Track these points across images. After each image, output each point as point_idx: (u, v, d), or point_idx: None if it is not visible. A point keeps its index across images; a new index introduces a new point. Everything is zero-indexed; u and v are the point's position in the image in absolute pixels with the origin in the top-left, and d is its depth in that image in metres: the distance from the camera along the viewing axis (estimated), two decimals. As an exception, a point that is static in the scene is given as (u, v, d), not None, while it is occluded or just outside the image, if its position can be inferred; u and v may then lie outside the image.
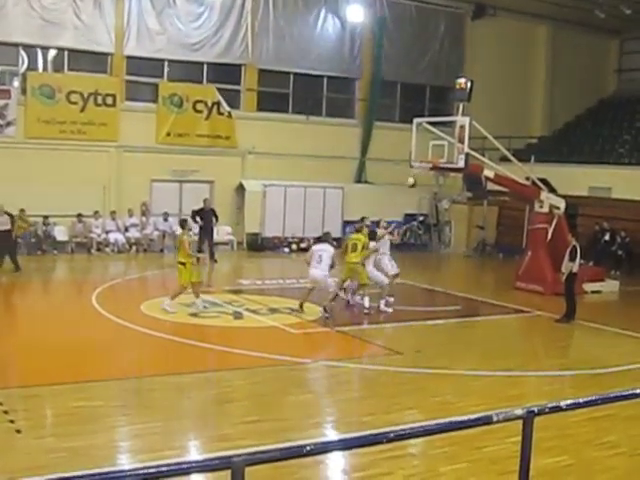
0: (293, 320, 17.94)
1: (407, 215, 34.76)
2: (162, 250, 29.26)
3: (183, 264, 18.47)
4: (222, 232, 31.24)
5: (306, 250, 31.14)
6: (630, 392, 6.17)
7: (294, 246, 31.51)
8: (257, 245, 31.16)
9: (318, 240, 19.74)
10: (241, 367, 13.80)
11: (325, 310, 18.25)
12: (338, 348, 16.37)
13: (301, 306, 18.64)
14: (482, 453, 9.76)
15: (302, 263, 28.68)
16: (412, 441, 9.92)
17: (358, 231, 20.21)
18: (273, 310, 18.88)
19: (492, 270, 31.13)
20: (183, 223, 19.27)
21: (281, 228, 31.70)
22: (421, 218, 35.07)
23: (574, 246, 19.34)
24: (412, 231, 34.76)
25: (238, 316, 18.01)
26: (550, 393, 12.86)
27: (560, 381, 14.04)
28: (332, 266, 18.66)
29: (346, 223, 33.05)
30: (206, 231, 27.39)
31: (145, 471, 3.62)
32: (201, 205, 27.98)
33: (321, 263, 18.35)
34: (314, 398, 12.61)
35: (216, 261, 27.15)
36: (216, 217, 28.00)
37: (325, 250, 18.54)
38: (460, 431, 9.03)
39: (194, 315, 17.93)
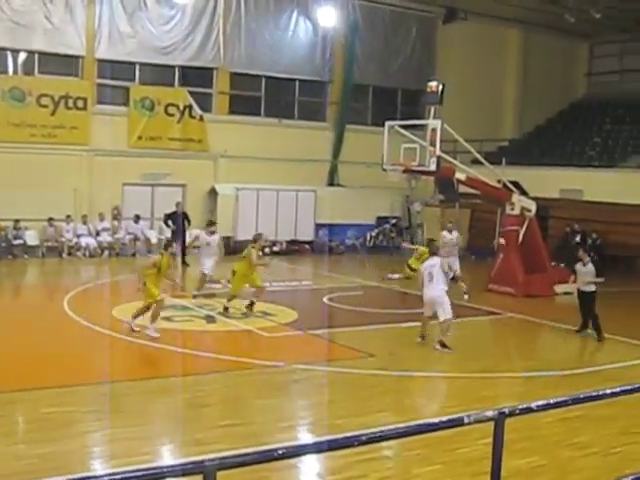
0: (266, 324, 17.91)
1: (379, 218, 34.86)
2: (134, 254, 29.12)
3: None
4: (194, 236, 31.10)
5: (279, 253, 31.34)
6: (600, 392, 6.21)
7: (267, 249, 31.44)
8: (230, 248, 31.05)
9: (431, 254, 17.01)
10: (214, 371, 13.78)
11: (443, 345, 16.13)
12: (311, 351, 16.33)
13: (423, 337, 16.64)
14: (456, 455, 9.80)
15: (274, 266, 28.88)
16: (386, 443, 9.93)
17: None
18: (246, 314, 18.83)
19: (465, 272, 31.10)
20: (167, 245, 17.96)
21: (254, 231, 31.51)
22: (393, 221, 35.16)
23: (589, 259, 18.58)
24: (385, 234, 34.84)
25: (210, 320, 17.97)
26: (522, 394, 12.93)
27: (532, 382, 14.11)
28: (454, 278, 18.20)
29: (318, 226, 33.14)
30: (178, 235, 27.29)
31: (118, 477, 3.60)
32: (173, 209, 27.90)
33: (432, 281, 15.96)
34: (287, 401, 12.60)
35: (188, 265, 27.06)
36: (188, 221, 27.93)
37: (434, 265, 16.18)
38: (433, 433, 9.15)
39: (167, 319, 17.83)
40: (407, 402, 12.36)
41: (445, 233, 23.23)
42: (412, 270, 21.68)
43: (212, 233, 21.91)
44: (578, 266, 18.33)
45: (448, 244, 22.55)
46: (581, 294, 18.44)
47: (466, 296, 22.02)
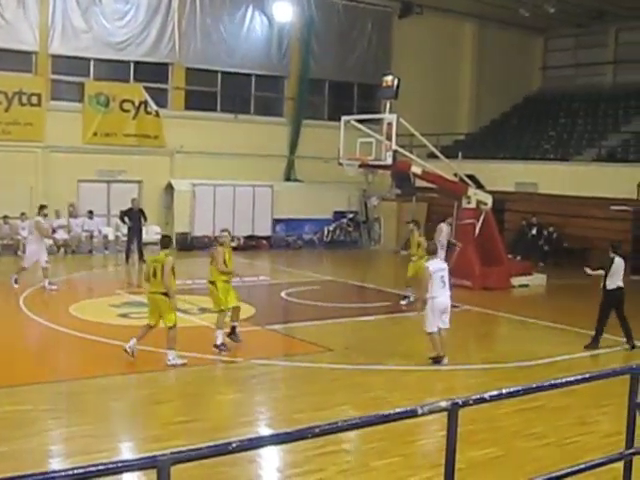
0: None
1: (336, 212, 34.92)
2: (90, 251, 28.92)
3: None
4: (151, 232, 30.93)
5: (237, 249, 31.21)
6: (552, 382, 6.28)
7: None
8: (187, 244, 30.97)
9: (430, 253, 15.36)
10: (172, 367, 13.71)
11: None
12: (269, 346, 16.34)
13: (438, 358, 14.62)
14: (414, 447, 9.87)
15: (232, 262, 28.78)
16: (345, 437, 9.98)
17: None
18: (203, 310, 18.74)
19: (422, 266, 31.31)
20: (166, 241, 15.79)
21: (211, 227, 31.50)
22: (350, 215, 35.22)
23: (611, 258, 16.54)
24: (342, 229, 34.90)
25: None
26: (479, 386, 13.00)
27: (489, 374, 14.21)
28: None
29: (276, 221, 33.11)
30: (134, 231, 27.15)
31: (72, 472, 3.58)
32: (129, 205, 27.72)
33: (445, 287, 14.47)
34: (245, 397, 12.58)
35: (145, 261, 26.88)
36: (144, 217, 27.75)
37: (444, 268, 14.69)
38: (392, 426, 9.17)
39: (123, 316, 17.76)
40: (365, 395, 12.38)
41: (444, 225, 23.79)
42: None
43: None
44: (617, 260, 16.36)
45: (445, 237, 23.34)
46: (613, 293, 16.51)
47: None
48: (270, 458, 9.60)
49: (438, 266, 14.46)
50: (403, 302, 20.69)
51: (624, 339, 16.52)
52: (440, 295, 14.24)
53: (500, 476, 9.12)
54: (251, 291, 22.18)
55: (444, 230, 23.92)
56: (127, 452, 9.89)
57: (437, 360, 14.34)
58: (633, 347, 16.40)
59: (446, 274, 14.48)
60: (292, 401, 12.26)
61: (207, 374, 13.43)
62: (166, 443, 9.54)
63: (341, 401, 12.01)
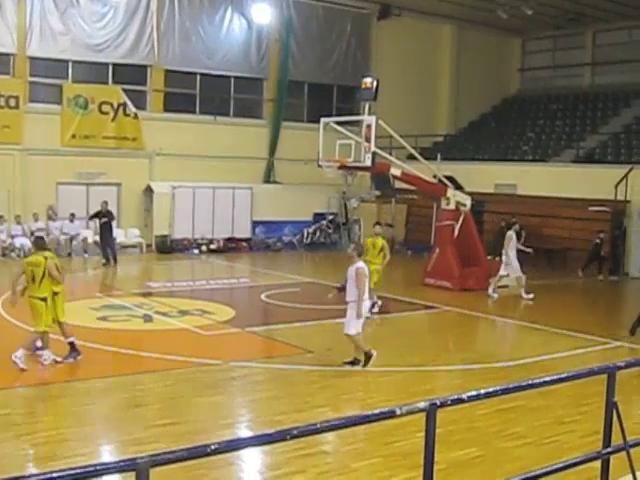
0: (203, 322, 17.85)
1: (316, 214, 34.94)
2: (70, 254, 28.78)
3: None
4: (130, 235, 30.96)
5: (216, 251, 31.23)
6: (529, 382, 6.32)
7: (204, 247, 31.38)
8: (166, 247, 30.91)
9: (359, 255, 14.66)
10: (152, 370, 13.69)
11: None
12: (249, 348, 16.34)
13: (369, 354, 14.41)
14: (394, 448, 9.87)
15: (211, 264, 28.78)
16: (325, 439, 10.01)
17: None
18: (183, 312, 18.74)
19: (401, 267, 31.36)
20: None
21: (190, 230, 31.52)
22: (330, 217, 35.25)
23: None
24: (322, 230, 34.92)
25: (148, 319, 17.86)
26: (459, 386, 13.06)
27: (469, 375, 14.26)
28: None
29: (255, 223, 33.10)
30: (105, 234, 27.01)
31: (49, 476, 3.57)
32: (99, 208, 27.63)
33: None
34: (226, 399, 12.57)
35: (116, 262, 26.84)
36: (113, 219, 27.51)
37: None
38: (372, 428, 9.23)
39: (103, 319, 17.71)
40: (346, 397, 12.42)
41: (512, 233, 23.46)
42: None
43: None
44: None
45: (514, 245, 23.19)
46: None
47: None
48: (250, 460, 9.61)
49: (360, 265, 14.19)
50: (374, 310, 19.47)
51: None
52: (366, 299, 14.27)
53: (480, 476, 9.16)
54: (231, 294, 22.18)
55: (513, 238, 23.45)
56: (107, 455, 9.85)
57: (369, 356, 14.17)
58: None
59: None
60: (272, 403, 12.25)
61: (187, 377, 13.39)
62: (146, 446, 9.51)
63: (321, 403, 12.01)
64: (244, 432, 10.87)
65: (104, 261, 26.96)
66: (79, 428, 10.69)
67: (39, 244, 14.18)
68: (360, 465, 9.46)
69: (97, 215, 27.42)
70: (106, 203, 27.78)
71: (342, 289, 14.80)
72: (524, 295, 22.66)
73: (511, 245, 23.06)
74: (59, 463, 9.03)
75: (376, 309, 19.69)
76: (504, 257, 22.97)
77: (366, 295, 14.13)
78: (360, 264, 14.16)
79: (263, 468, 9.54)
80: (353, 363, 14.17)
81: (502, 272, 22.95)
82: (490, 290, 22.78)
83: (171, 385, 12.99)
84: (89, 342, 15.28)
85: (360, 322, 14.17)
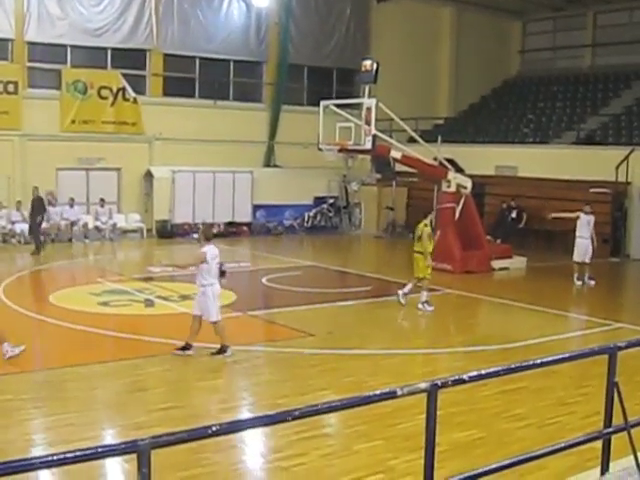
0: (205, 306, 17.82)
1: (317, 198, 34.87)
2: (70, 239, 28.77)
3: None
4: (131, 219, 30.95)
5: (217, 236, 31.17)
6: (529, 363, 6.32)
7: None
8: (167, 232, 30.89)
9: (207, 239, 14.35)
10: (154, 354, 13.70)
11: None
12: (251, 332, 16.35)
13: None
14: (396, 430, 9.90)
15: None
16: (327, 421, 10.05)
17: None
18: (184, 297, 18.71)
19: (402, 250, 31.22)
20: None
21: (191, 214, 31.46)
22: (331, 200, 35.19)
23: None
24: (322, 214, 34.90)
25: (149, 304, 17.87)
26: (460, 368, 13.04)
27: (470, 357, 14.29)
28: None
29: (256, 207, 33.07)
30: (34, 220, 26.41)
31: (52, 458, 3.58)
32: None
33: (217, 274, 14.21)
34: (228, 383, 12.61)
35: (43, 249, 26.00)
36: (43, 206, 27.03)
37: (217, 255, 14.06)
38: (374, 410, 9.24)
39: (104, 304, 17.72)
40: (347, 380, 12.42)
41: (582, 214, 22.89)
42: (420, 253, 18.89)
43: None
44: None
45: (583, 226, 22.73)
46: None
47: None
48: (253, 443, 9.65)
49: (214, 253, 13.84)
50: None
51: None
52: (217, 283, 13.86)
53: (482, 457, 9.16)
54: (232, 277, 22.17)
55: (592, 220, 22.84)
56: (110, 439, 9.86)
57: (223, 349, 13.71)
58: None
59: (217, 260, 13.96)
60: (274, 386, 12.28)
61: (189, 360, 13.40)
62: (149, 430, 9.51)
63: (323, 386, 12.03)
64: (246, 415, 10.89)
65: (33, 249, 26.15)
66: (81, 413, 10.69)
67: None
68: (362, 447, 9.48)
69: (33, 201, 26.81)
70: (37, 189, 27.12)
71: (223, 274, 14.47)
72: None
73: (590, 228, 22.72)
74: (61, 448, 9.01)
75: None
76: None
77: (212, 280, 13.67)
78: (204, 248, 13.81)
79: (265, 451, 9.58)
80: (221, 352, 13.69)
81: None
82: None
83: (172, 369, 13.02)
84: (90, 327, 15.33)
85: (216, 307, 13.77)
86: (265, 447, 9.66)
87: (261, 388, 12.34)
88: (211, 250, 13.76)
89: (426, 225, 18.70)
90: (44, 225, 27.62)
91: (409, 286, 18.54)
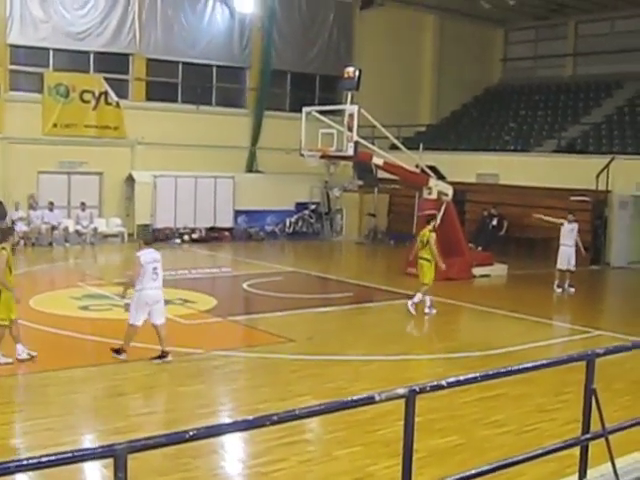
0: (185, 311, 17.81)
1: (299, 204, 34.89)
2: (51, 243, 28.66)
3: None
4: (112, 224, 30.84)
5: (199, 241, 31.17)
6: (507, 369, 6.35)
7: (186, 237, 31.29)
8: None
9: (146, 243, 14.25)
10: (133, 359, 13.64)
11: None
12: (231, 338, 16.34)
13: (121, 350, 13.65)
14: (375, 436, 9.90)
15: (193, 254, 28.74)
16: (307, 427, 10.05)
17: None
18: (165, 301, 18.59)
19: (383, 257, 31.50)
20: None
21: (172, 219, 31.40)
22: (313, 207, 35.23)
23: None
24: (304, 220, 34.91)
25: (129, 308, 17.76)
26: (440, 375, 13.05)
27: (450, 363, 14.32)
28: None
29: (238, 213, 33.04)
30: None
31: (27, 462, 3.57)
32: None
33: (157, 279, 13.71)
34: (207, 388, 12.57)
35: None
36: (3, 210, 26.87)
37: (158, 260, 13.84)
38: (354, 416, 9.25)
39: (84, 308, 17.66)
40: (327, 386, 12.41)
41: (565, 222, 22.94)
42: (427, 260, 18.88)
43: None
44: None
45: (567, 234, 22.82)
46: None
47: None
48: (233, 448, 9.65)
49: (152, 257, 13.62)
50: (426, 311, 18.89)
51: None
52: (150, 288, 13.49)
53: (460, 464, 9.17)
54: (213, 283, 22.16)
55: (575, 228, 22.94)
56: (88, 444, 9.82)
57: (118, 351, 13.44)
58: None
59: (159, 266, 13.68)
60: (254, 392, 12.27)
61: (169, 366, 13.36)
62: (128, 435, 9.45)
63: (303, 392, 12.02)
64: (225, 421, 10.88)
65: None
66: (60, 417, 10.65)
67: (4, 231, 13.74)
68: (341, 453, 9.49)
69: None
70: None
71: None
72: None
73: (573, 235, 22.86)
74: (40, 452, 8.98)
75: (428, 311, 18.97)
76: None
77: (144, 285, 13.42)
78: (139, 252, 13.69)
79: (245, 456, 9.58)
80: (161, 357, 13.47)
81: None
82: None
83: (152, 374, 12.97)
84: (70, 331, 15.28)
85: (136, 312, 13.57)
86: (245, 453, 9.65)
87: (241, 394, 12.34)
88: (146, 255, 13.61)
89: (431, 231, 18.83)
90: (24, 229, 27.52)
91: (419, 295, 18.63)
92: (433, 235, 18.76)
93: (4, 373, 12.61)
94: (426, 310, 18.63)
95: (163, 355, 13.49)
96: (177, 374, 13.02)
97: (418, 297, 18.50)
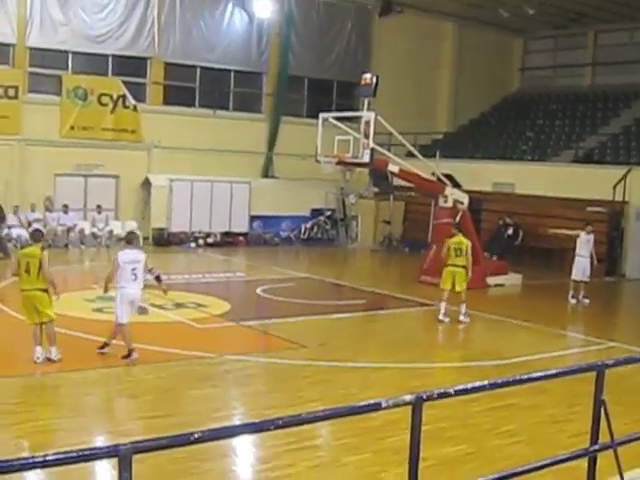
0: (198, 315, 17.85)
1: (314, 210, 34.90)
2: (66, 245, 28.75)
3: None
4: (127, 227, 30.86)
5: (213, 245, 31.21)
6: (516, 378, 6.35)
7: (201, 241, 31.33)
8: (163, 240, 30.86)
9: (127, 243, 14.92)
10: (146, 362, 13.66)
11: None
12: (243, 342, 16.34)
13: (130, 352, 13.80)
14: (385, 444, 9.88)
15: (208, 258, 28.78)
16: (316, 433, 10.03)
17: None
18: (179, 305, 18.72)
19: (398, 264, 31.46)
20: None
21: (188, 223, 31.46)
22: (328, 213, 35.22)
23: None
24: (319, 226, 34.91)
25: (143, 311, 17.77)
26: (451, 383, 13.03)
27: (462, 372, 14.29)
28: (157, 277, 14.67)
29: (253, 218, 33.07)
30: None
31: (31, 461, 3.58)
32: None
33: (137, 280, 13.88)
34: (219, 392, 12.58)
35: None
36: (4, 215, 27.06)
37: (139, 261, 14.01)
38: (364, 423, 9.25)
39: (98, 310, 17.70)
40: (338, 392, 12.40)
41: (582, 233, 22.92)
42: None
43: None
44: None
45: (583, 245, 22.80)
46: None
47: None
48: (242, 453, 9.65)
49: (131, 257, 13.87)
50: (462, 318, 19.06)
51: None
52: (129, 287, 13.72)
53: (470, 472, 9.15)
54: (227, 287, 22.19)
55: (592, 239, 22.97)
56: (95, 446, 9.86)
57: (128, 355, 13.58)
58: None
59: (139, 267, 13.81)
60: (265, 397, 12.28)
61: (181, 369, 13.40)
62: (137, 438, 9.50)
63: (313, 398, 12.01)
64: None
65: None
66: (72, 418, 10.69)
67: (36, 236, 14.11)
68: (350, 460, 9.48)
69: None
70: None
71: (157, 278, 14.51)
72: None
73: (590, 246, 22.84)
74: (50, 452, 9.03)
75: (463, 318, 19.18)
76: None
77: (123, 284, 13.70)
78: (119, 252, 14.19)
79: (254, 461, 9.59)
80: (128, 356, 13.61)
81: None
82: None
83: (164, 377, 13.01)
84: (84, 333, 15.32)
85: (121, 311, 13.82)
86: (254, 457, 9.66)
87: (251, 398, 12.34)
88: (124, 255, 13.89)
89: (465, 237, 19.07)
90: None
91: (463, 307, 18.90)
92: (469, 242, 19.05)
93: (18, 373, 12.66)
94: (462, 318, 18.79)
95: (130, 353, 13.63)
96: (189, 377, 13.03)
97: (464, 308, 18.83)
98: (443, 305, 18.78)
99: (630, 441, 7.09)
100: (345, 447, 9.84)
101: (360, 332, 17.84)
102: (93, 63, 30.96)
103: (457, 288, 18.78)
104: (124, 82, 31.14)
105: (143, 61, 32.09)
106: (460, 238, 19.08)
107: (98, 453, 3.90)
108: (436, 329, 18.74)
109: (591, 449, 6.59)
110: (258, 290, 21.82)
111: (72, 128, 30.11)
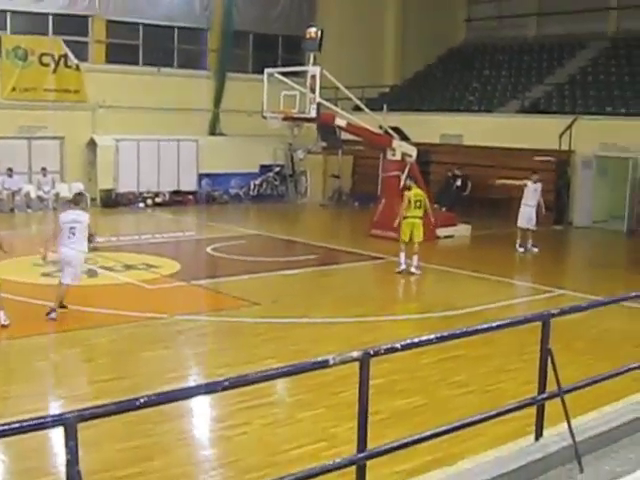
0: (149, 276, 17.77)
1: (263, 166, 34.76)
2: (12, 209, 28.36)
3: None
4: (74, 189, 30.50)
5: (162, 205, 30.99)
6: (463, 330, 6.41)
7: (149, 201, 31.09)
8: (111, 201, 30.58)
9: (74, 204, 14.82)
10: (97, 325, 13.60)
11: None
12: (195, 302, 16.31)
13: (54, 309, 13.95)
14: (338, 398, 9.94)
15: (157, 218, 28.59)
16: (270, 390, 10.07)
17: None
18: (128, 267, 18.62)
19: (348, 218, 31.54)
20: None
21: (135, 183, 31.18)
22: (277, 169, 35.10)
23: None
24: (268, 182, 34.80)
25: (92, 274, 17.69)
26: (403, 336, 13.12)
27: (413, 324, 14.44)
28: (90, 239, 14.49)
29: (201, 176, 32.86)
30: None
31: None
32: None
33: (73, 239, 13.88)
34: (171, 353, 12.56)
35: None
36: None
37: (79, 222, 14.01)
38: (317, 379, 9.30)
39: (47, 275, 17.52)
40: (291, 349, 12.45)
41: (529, 183, 23.02)
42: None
43: None
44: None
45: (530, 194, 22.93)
46: None
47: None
48: (196, 413, 9.67)
49: (71, 217, 13.93)
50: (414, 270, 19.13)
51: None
52: (64, 245, 13.84)
53: (422, 424, 9.24)
54: (177, 247, 22.09)
55: (539, 188, 23.13)
56: (52, 412, 9.80)
57: (50, 311, 13.75)
58: None
59: (79, 227, 13.87)
60: (218, 356, 12.30)
61: (133, 331, 13.35)
62: (90, 402, 9.41)
63: (267, 355, 12.02)
64: (189, 385, 10.88)
65: None
66: (23, 385, 10.62)
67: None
68: (305, 415, 9.55)
69: None
70: None
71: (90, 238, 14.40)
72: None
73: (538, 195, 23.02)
74: (1, 421, 8.96)
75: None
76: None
77: (61, 243, 13.94)
78: (62, 213, 14.44)
79: (210, 420, 9.62)
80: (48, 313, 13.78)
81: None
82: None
83: (116, 340, 12.95)
84: (34, 298, 15.17)
85: (72, 271, 14.12)
86: (209, 417, 9.69)
87: (205, 357, 12.37)
88: (65, 215, 14.05)
89: (422, 190, 19.44)
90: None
91: (416, 258, 19.06)
92: (424, 194, 19.47)
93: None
94: (413, 270, 18.93)
95: (52, 310, 13.73)
96: (141, 339, 13.00)
97: (416, 261, 18.95)
98: (402, 256, 18.88)
99: (576, 389, 7.21)
100: (299, 403, 9.90)
101: (312, 288, 17.88)
102: (33, 22, 30.33)
103: (416, 239, 18.96)
104: (65, 41, 30.56)
105: (84, 19, 31.48)
106: (418, 190, 19.26)
107: (43, 423, 3.86)
108: (388, 282, 18.85)
109: (538, 398, 6.69)
110: (209, 249, 21.75)
111: (13, 89, 29.58)
